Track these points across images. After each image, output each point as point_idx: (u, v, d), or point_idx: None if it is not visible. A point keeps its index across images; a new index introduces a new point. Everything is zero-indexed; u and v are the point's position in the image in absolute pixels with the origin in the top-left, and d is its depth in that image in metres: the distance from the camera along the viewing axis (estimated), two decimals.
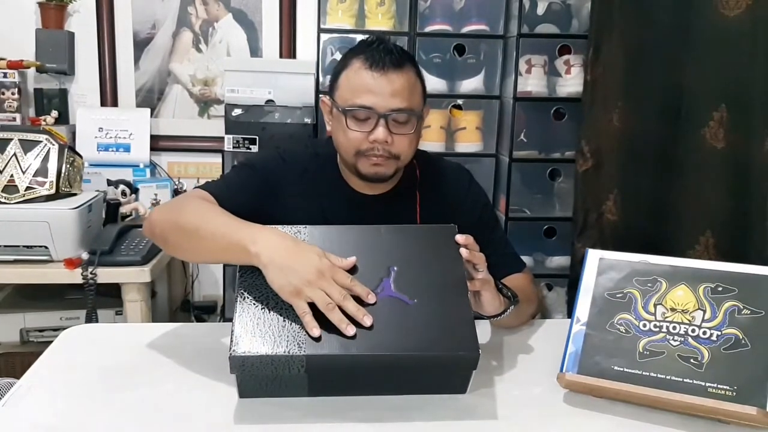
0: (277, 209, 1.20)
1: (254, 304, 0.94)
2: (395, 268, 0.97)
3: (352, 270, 0.96)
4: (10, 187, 1.71)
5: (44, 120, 2.25)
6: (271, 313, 0.92)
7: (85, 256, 1.72)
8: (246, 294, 0.95)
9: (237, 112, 2.21)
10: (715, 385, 0.88)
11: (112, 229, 1.82)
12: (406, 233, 1.04)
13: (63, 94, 2.34)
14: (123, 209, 2.03)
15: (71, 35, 2.32)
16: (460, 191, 1.31)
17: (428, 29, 2.22)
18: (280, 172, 1.24)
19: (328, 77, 1.23)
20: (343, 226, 1.04)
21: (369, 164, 1.16)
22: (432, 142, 2.22)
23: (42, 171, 1.75)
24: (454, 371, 0.94)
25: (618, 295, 0.99)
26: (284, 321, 0.91)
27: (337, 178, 1.26)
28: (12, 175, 1.72)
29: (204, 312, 2.45)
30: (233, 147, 2.21)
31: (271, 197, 1.21)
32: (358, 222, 1.07)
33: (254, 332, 0.90)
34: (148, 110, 2.39)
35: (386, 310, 0.93)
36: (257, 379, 0.90)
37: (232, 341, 0.88)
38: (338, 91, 1.18)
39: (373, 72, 1.13)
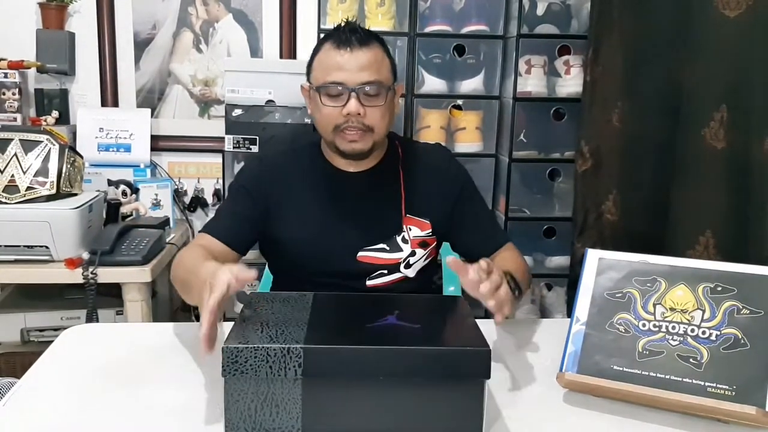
0: (272, 207, 1.29)
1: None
2: (397, 311, 0.95)
3: (362, 306, 0.99)
4: (11, 187, 1.72)
5: (45, 120, 2.25)
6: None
7: (85, 256, 1.72)
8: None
9: (237, 112, 2.21)
10: (714, 384, 0.88)
11: (113, 229, 1.82)
12: (413, 300, 1.06)
13: (63, 94, 2.34)
14: (123, 209, 2.03)
15: (72, 35, 2.32)
16: (441, 166, 1.37)
17: (428, 29, 2.22)
18: (261, 174, 1.32)
19: None
20: (350, 294, 1.08)
21: (346, 140, 1.24)
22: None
23: (43, 171, 1.75)
24: (466, 375, 0.88)
25: (617, 295, 1.00)
26: (285, 322, 0.91)
27: (323, 161, 1.33)
28: (13, 175, 1.72)
29: None
30: (233, 147, 2.21)
31: (264, 201, 1.29)
32: (342, 196, 1.12)
33: (252, 330, 0.89)
34: (149, 110, 2.38)
35: (389, 331, 0.90)
36: (247, 395, 0.83)
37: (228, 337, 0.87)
38: (312, 74, 1.27)
39: (341, 50, 1.22)
